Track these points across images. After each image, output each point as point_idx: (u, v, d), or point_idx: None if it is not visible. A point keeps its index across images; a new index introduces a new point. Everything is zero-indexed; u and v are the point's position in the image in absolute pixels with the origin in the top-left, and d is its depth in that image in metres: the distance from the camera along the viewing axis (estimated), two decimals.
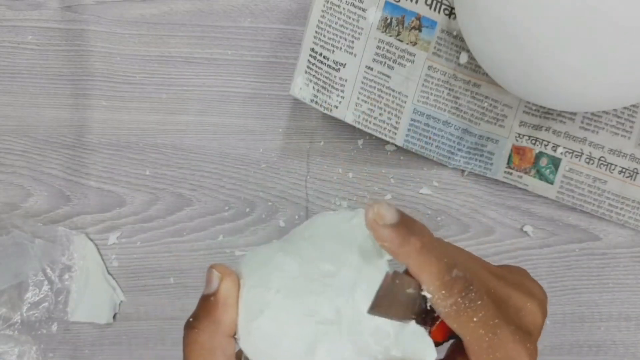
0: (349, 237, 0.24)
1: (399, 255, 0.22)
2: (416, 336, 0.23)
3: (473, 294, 0.22)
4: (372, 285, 0.22)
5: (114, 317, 0.46)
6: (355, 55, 0.41)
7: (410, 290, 0.22)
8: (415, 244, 0.22)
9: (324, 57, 0.41)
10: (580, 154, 0.43)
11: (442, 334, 0.24)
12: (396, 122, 0.42)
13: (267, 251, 0.25)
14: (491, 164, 0.44)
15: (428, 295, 0.23)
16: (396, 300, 0.22)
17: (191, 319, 0.24)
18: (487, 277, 0.24)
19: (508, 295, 0.24)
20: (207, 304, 0.24)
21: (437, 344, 0.25)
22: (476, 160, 0.43)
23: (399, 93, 0.42)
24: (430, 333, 0.24)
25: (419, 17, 0.40)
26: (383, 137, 0.43)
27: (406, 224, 0.22)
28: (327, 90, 0.42)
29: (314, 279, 0.23)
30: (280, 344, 0.23)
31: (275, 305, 0.23)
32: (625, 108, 0.41)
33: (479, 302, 0.22)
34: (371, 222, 0.22)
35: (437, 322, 0.24)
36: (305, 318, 0.22)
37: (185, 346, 0.24)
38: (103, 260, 0.46)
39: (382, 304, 0.21)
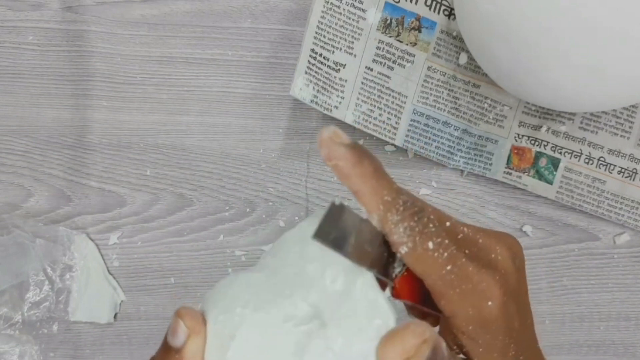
0: (308, 241, 0.22)
1: (351, 176, 0.22)
2: (369, 288, 0.21)
3: (426, 219, 0.22)
4: (339, 266, 0.21)
5: (115, 316, 0.47)
6: (355, 55, 0.41)
7: (365, 232, 0.21)
8: (368, 167, 0.22)
9: (324, 57, 0.41)
10: (579, 154, 0.43)
11: (407, 291, 0.23)
12: (396, 123, 0.42)
13: (231, 277, 0.23)
14: (490, 164, 0.44)
15: (378, 225, 0.22)
16: (347, 237, 0.21)
17: None
18: (447, 217, 0.24)
19: (475, 238, 0.24)
20: (169, 355, 0.22)
21: (408, 306, 0.24)
22: (475, 160, 0.44)
23: (399, 93, 0.42)
24: (393, 290, 0.23)
25: (418, 18, 0.41)
26: (383, 137, 0.43)
27: (360, 147, 0.22)
28: (327, 91, 0.42)
29: (282, 284, 0.22)
30: None
31: (247, 324, 0.21)
32: (624, 108, 0.42)
33: (433, 229, 0.22)
34: (327, 140, 0.21)
35: (399, 274, 0.23)
36: (282, 326, 0.21)
37: None
38: (104, 260, 0.46)
39: (329, 234, 0.20)
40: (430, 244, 0.21)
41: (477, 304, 0.22)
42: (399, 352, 0.19)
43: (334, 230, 0.20)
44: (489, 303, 0.22)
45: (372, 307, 0.21)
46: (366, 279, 0.21)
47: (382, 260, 0.22)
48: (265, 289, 0.22)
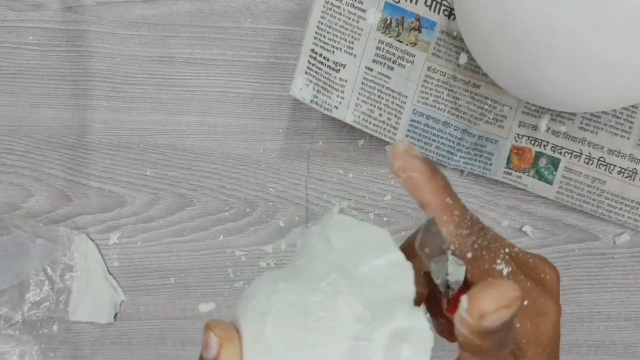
0: (333, 236, 0.23)
1: (425, 189, 0.22)
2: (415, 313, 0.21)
3: (490, 236, 0.23)
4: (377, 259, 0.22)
5: (115, 316, 0.47)
6: (355, 56, 0.41)
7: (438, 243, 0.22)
8: (440, 181, 0.22)
9: (324, 57, 0.41)
10: (579, 154, 0.43)
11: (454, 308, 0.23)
12: (396, 123, 0.42)
13: (255, 281, 0.23)
14: (490, 164, 0.44)
15: (447, 238, 0.22)
16: (436, 251, 0.22)
17: None
18: (500, 237, 0.25)
19: (526, 257, 0.25)
20: None
21: (442, 323, 0.24)
22: (475, 160, 0.44)
23: (399, 94, 0.42)
24: (448, 305, 0.23)
25: (418, 18, 0.41)
26: (383, 137, 0.43)
27: (432, 163, 0.23)
28: (327, 91, 0.42)
29: (308, 274, 0.22)
30: None
31: (276, 298, 0.21)
32: (624, 108, 0.42)
33: (496, 244, 0.23)
34: (402, 152, 0.22)
35: (455, 291, 0.23)
36: (311, 291, 0.21)
37: None
38: (104, 260, 0.46)
39: (425, 246, 0.21)
40: (497, 260, 0.22)
41: (535, 319, 0.23)
42: (497, 298, 0.19)
43: (430, 244, 0.22)
44: (546, 319, 0.23)
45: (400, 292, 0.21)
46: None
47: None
48: (290, 275, 0.22)
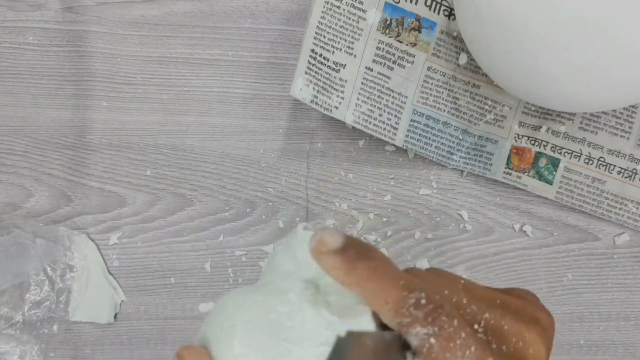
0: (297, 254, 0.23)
1: (348, 284, 0.20)
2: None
3: (444, 317, 0.19)
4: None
5: (115, 317, 0.47)
6: (355, 56, 0.41)
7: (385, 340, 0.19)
8: (362, 271, 0.20)
9: (324, 58, 0.41)
10: (579, 155, 0.43)
11: None
12: (396, 123, 0.42)
13: (231, 295, 0.23)
14: (490, 164, 0.44)
15: (395, 328, 0.19)
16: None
17: None
18: (470, 302, 0.21)
19: (501, 323, 0.21)
20: None
21: None
22: (475, 160, 0.44)
23: (399, 94, 0.42)
24: None
25: (418, 18, 0.41)
26: (383, 137, 0.43)
27: (354, 248, 0.20)
28: (327, 91, 0.42)
29: (273, 289, 0.22)
30: None
31: (244, 310, 0.21)
32: (624, 109, 0.42)
33: (451, 329, 0.19)
34: (314, 251, 0.20)
35: None
36: (278, 301, 0.21)
37: None
38: (104, 260, 0.46)
39: None
40: (450, 344, 0.19)
41: None
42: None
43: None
44: None
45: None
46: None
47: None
48: (257, 290, 0.23)
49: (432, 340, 0.19)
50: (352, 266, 0.20)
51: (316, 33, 0.41)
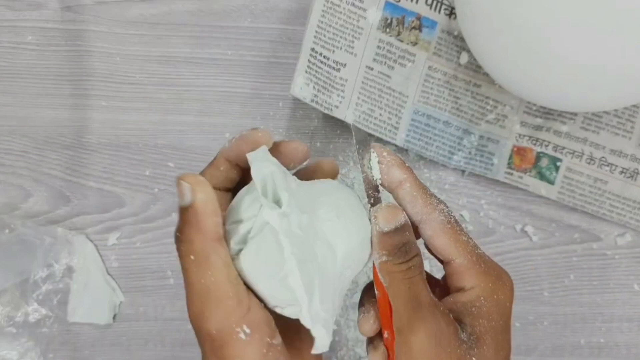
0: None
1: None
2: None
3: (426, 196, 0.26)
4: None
5: (114, 317, 0.46)
6: (355, 55, 0.41)
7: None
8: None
9: (324, 57, 0.41)
10: (581, 155, 0.42)
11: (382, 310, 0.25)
12: (396, 122, 0.42)
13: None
14: (492, 164, 0.43)
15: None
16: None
17: (177, 233, 0.24)
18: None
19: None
20: (186, 215, 0.24)
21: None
22: (477, 160, 0.43)
23: (400, 93, 0.42)
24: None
25: (419, 17, 0.40)
26: (383, 137, 0.43)
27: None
28: (328, 90, 0.41)
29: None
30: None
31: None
32: (625, 108, 0.41)
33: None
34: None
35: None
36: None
37: (180, 260, 0.25)
38: (103, 260, 0.46)
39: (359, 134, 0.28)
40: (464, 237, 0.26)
41: (497, 288, 0.25)
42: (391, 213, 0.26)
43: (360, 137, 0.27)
44: (504, 285, 0.25)
45: None
46: None
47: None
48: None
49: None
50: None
51: (316, 32, 0.41)
